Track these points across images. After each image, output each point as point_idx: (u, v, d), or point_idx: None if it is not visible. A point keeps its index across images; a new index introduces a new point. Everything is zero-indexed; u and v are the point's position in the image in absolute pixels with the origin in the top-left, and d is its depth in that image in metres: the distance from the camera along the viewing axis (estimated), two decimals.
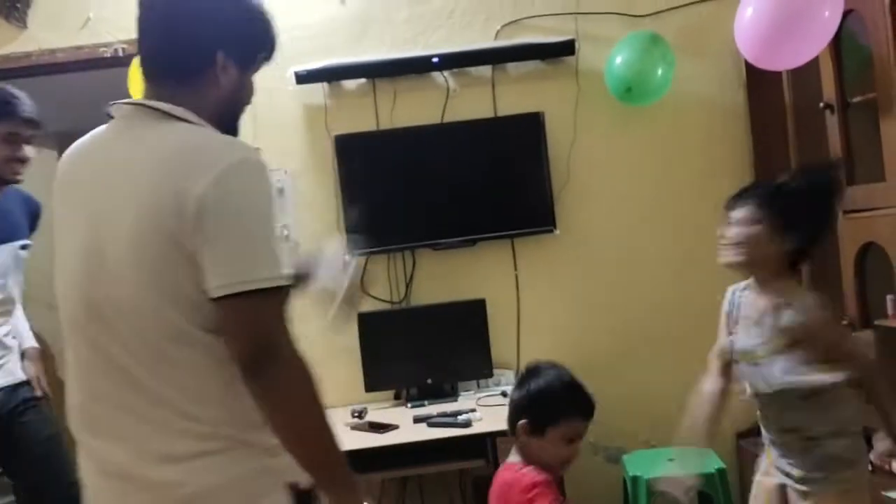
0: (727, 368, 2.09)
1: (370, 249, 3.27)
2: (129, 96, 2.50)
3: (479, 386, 3.31)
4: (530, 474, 1.75)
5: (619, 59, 3.16)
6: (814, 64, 2.69)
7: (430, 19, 3.38)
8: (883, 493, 2.34)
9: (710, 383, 2.11)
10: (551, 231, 3.30)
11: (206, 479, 1.26)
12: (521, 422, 1.80)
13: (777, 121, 3.12)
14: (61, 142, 2.12)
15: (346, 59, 3.31)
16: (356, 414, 3.04)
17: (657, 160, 3.36)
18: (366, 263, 3.34)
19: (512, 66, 3.36)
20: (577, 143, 3.34)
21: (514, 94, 3.35)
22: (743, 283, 2.10)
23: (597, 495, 3.15)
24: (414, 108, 3.34)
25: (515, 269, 3.38)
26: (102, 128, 1.39)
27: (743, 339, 2.04)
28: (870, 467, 2.22)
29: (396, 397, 3.32)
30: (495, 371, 3.27)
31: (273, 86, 3.19)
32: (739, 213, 1.98)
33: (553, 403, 1.81)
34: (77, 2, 3.32)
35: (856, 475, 1.98)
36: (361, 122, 3.34)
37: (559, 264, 3.38)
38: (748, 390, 2.06)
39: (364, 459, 2.75)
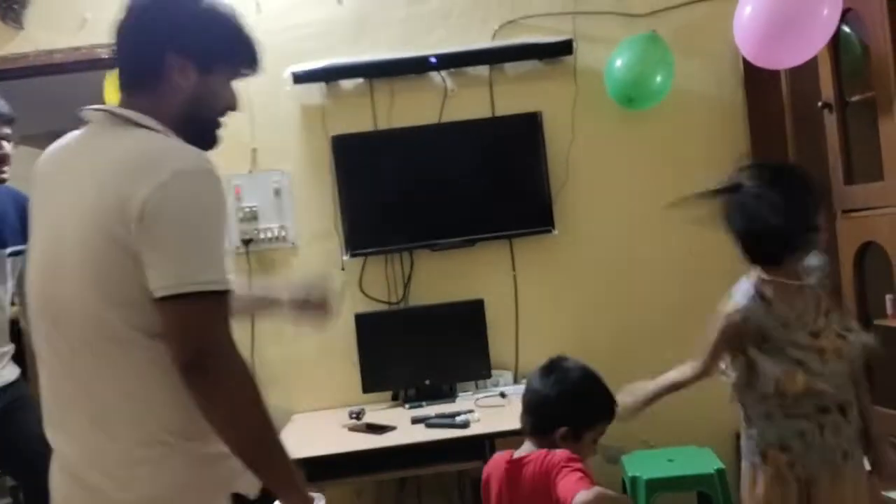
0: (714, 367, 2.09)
1: (368, 250, 3.26)
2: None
3: (477, 387, 3.30)
4: (564, 452, 1.76)
5: (618, 63, 3.15)
6: (812, 63, 2.69)
7: (427, 19, 3.37)
8: (883, 493, 2.34)
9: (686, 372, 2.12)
10: (549, 231, 3.29)
11: (147, 489, 1.27)
12: (563, 429, 1.80)
13: (775, 120, 3.12)
14: None
15: (344, 59, 3.31)
16: (354, 415, 3.04)
17: (655, 159, 3.35)
18: (364, 264, 3.33)
19: (510, 66, 3.36)
20: (576, 142, 3.34)
21: (511, 94, 3.34)
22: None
23: None
24: (412, 109, 3.33)
25: (514, 269, 3.38)
26: (77, 131, 1.42)
27: None
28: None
29: (394, 398, 3.31)
30: (493, 372, 3.27)
31: (270, 86, 3.19)
32: None
33: (591, 408, 1.86)
34: (74, 3, 3.31)
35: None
36: (359, 122, 3.34)
37: (557, 265, 3.37)
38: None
39: (362, 461, 2.75)
